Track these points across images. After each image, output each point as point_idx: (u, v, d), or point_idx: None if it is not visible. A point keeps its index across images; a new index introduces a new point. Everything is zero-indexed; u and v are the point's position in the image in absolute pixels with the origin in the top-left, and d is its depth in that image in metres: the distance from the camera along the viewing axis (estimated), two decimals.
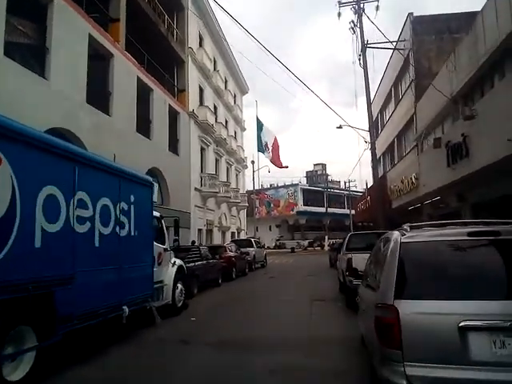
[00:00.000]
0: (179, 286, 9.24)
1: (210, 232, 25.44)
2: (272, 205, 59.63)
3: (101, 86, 13.83)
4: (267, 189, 60.51)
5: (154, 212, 8.62)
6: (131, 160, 14.99)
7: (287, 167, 42.43)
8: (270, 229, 60.37)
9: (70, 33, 11.54)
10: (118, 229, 6.26)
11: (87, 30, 12.49)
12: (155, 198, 16.34)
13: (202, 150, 24.83)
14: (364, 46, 18.31)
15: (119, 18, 14.69)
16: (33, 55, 10.98)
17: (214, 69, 28.19)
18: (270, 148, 39.87)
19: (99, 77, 13.76)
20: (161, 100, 18.13)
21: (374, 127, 20.10)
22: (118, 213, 6.26)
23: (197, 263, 12.61)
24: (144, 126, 16.69)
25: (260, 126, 40.74)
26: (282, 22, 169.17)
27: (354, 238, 10.66)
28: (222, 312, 9.48)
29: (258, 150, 40.28)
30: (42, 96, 10.38)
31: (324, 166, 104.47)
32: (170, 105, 19.14)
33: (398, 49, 18.62)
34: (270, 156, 39.56)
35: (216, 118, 28.07)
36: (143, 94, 16.71)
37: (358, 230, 58.27)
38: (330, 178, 62.67)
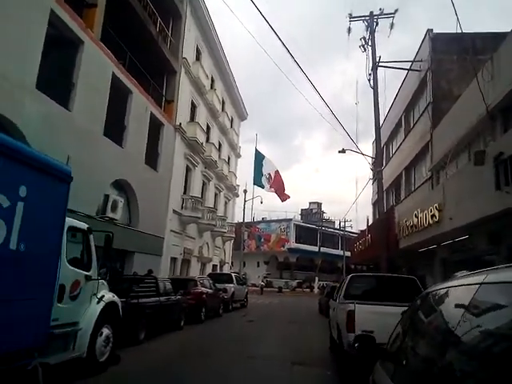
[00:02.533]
0: (105, 331, 6.53)
1: (186, 262, 22.59)
2: (262, 239, 56.77)
3: (62, 73, 11.63)
4: (258, 222, 57.84)
5: (74, 222, 6.07)
6: (92, 166, 12.58)
7: (289, 197, 39.90)
8: (258, 265, 57.21)
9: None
10: None
11: (48, 3, 10.39)
12: (117, 214, 13.89)
13: (188, 169, 22.47)
14: (375, 65, 16.52)
15: (96, 3, 12.73)
16: None
17: (211, 87, 26.39)
18: (272, 179, 37.86)
19: (61, 63, 11.60)
20: (141, 105, 15.94)
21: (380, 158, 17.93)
22: None
23: (150, 299, 9.88)
24: (116, 130, 14.38)
25: (260, 158, 38.91)
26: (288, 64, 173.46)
27: (356, 280, 8.07)
28: (161, 375, 6.67)
29: (254, 183, 38.33)
30: None
31: (320, 204, 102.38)
32: (152, 113, 16.96)
33: (413, 69, 16.82)
34: (272, 189, 37.30)
35: (208, 139, 25.93)
36: (119, 94, 14.52)
37: (352, 272, 55.51)
38: (325, 216, 60.07)
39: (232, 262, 47.60)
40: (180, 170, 20.84)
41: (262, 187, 38.04)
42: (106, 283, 7.01)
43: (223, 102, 30.04)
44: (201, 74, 22.65)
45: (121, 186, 15.01)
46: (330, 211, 73.78)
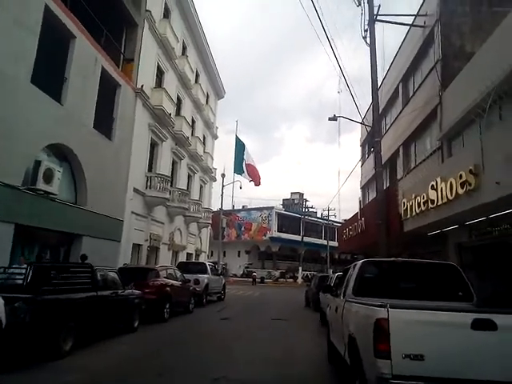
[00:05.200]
0: None
1: (154, 250, 19.68)
2: (243, 228, 54.06)
3: None
4: (239, 210, 55.11)
5: None
6: (13, 122, 9.56)
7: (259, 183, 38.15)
8: (239, 255, 54.62)
9: None
10: None
11: None
12: (53, 186, 10.85)
13: (154, 144, 19.45)
14: (372, 18, 13.88)
15: None
16: None
17: (183, 53, 23.28)
18: (248, 168, 36.49)
19: None
20: (88, 56, 12.84)
21: (371, 134, 15.38)
22: None
23: (81, 294, 7.07)
24: (52, 81, 11.32)
25: (240, 146, 36.87)
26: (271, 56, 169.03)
27: (370, 269, 5.42)
28: None
29: (235, 171, 36.07)
30: None
31: (302, 195, 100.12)
32: (104, 69, 13.86)
33: (416, 25, 14.24)
34: (246, 172, 36.11)
35: (178, 111, 22.92)
36: (56, 36, 11.47)
37: (339, 263, 53.47)
38: (308, 205, 57.69)
39: (212, 252, 44.93)
40: (143, 142, 17.83)
41: (242, 176, 36.26)
42: None
43: (197, 74, 26.97)
44: (169, 33, 19.52)
45: (60, 153, 11.98)
46: (312, 203, 71.74)
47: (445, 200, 8.38)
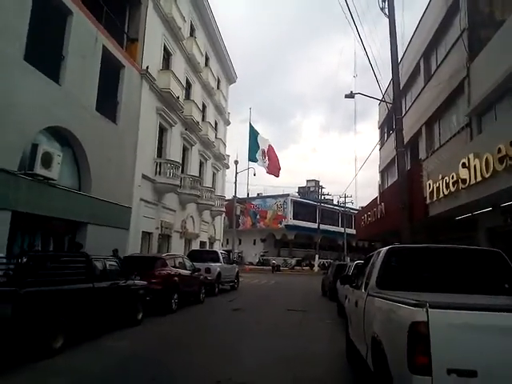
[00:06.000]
0: None
1: (166, 238, 19.17)
2: (258, 216, 53.43)
3: None
4: (254, 198, 54.40)
5: None
6: (6, 102, 8.97)
7: (279, 173, 37.33)
8: (255, 243, 54.13)
9: None
10: None
11: None
12: (53, 171, 10.23)
13: (163, 129, 18.77)
14: None
15: None
16: None
17: (191, 34, 22.39)
18: (266, 155, 35.62)
19: None
20: (87, 34, 12.13)
21: (392, 112, 14.35)
22: None
23: (74, 286, 6.46)
24: (48, 60, 10.66)
25: (254, 134, 36.05)
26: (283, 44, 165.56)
27: (398, 256, 4.58)
28: None
29: (249, 159, 35.29)
30: None
31: (317, 182, 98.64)
32: (106, 48, 13.15)
33: None
34: (267, 163, 35.30)
35: (188, 95, 22.14)
36: (53, 12, 10.77)
37: (356, 251, 52.43)
38: (324, 192, 56.48)
39: (227, 240, 44.51)
40: (151, 127, 17.15)
41: (257, 163, 35.53)
42: None
43: (207, 58, 26.04)
44: (175, 13, 18.64)
45: (61, 136, 11.38)
46: (328, 190, 70.52)
47: (479, 178, 7.40)
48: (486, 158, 7.05)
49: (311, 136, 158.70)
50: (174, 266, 11.40)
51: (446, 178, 8.98)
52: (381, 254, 4.72)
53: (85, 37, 12.03)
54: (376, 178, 24.71)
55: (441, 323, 2.65)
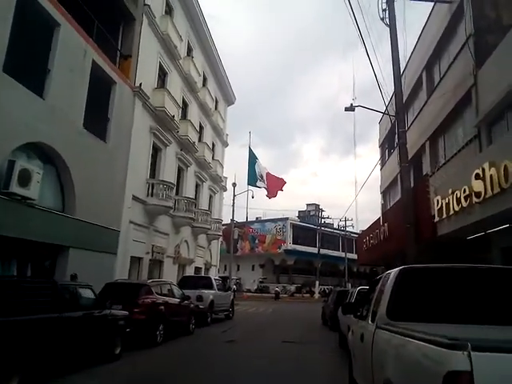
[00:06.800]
0: None
1: (157, 264, 18.21)
2: (257, 240, 52.32)
3: None
4: (252, 222, 53.40)
5: None
6: None
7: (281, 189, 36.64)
8: (253, 268, 52.83)
9: None
10: None
11: None
12: (32, 190, 9.40)
13: (157, 149, 18.17)
14: None
15: None
16: None
17: (188, 54, 22.17)
18: (265, 180, 35.26)
19: None
20: (75, 46, 11.65)
21: (395, 127, 13.84)
22: None
23: (30, 317, 5.58)
24: (31, 72, 10.12)
25: (254, 158, 35.73)
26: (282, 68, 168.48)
27: (412, 279, 3.76)
28: None
29: (249, 183, 34.76)
30: None
31: (317, 206, 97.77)
32: (95, 63, 12.67)
33: (442, 1, 12.67)
34: (266, 187, 34.88)
35: (185, 115, 21.70)
36: (37, 23, 10.31)
37: (358, 277, 50.96)
38: (324, 215, 55.48)
39: (225, 266, 43.24)
40: (144, 146, 16.52)
41: (257, 187, 35.03)
42: None
43: (204, 78, 25.81)
44: (171, 31, 18.40)
45: (43, 153, 10.69)
46: (328, 214, 69.61)
47: (496, 190, 6.64)
48: (505, 167, 6.30)
49: (311, 160, 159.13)
50: (161, 294, 10.47)
51: (457, 192, 8.22)
52: (391, 277, 3.91)
53: (73, 50, 11.53)
54: (376, 202, 24.05)
55: (491, 374, 1.83)
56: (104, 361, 7.25)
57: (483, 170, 7.03)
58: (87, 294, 7.12)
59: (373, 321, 3.95)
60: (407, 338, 2.66)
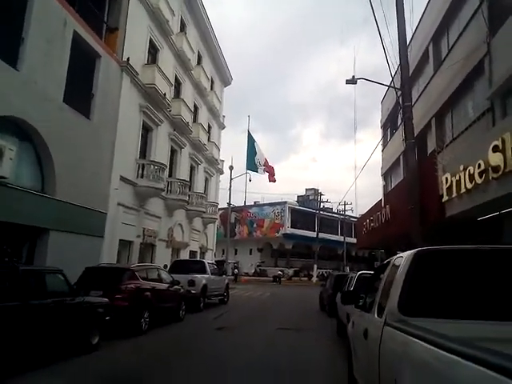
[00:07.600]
0: None
1: (149, 247, 17.58)
2: (255, 224, 51.80)
3: None
4: (250, 206, 52.75)
5: None
6: None
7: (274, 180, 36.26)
8: (251, 252, 52.44)
9: None
10: None
11: None
12: (4, 168, 8.56)
13: (147, 128, 17.33)
14: None
15: None
16: None
17: (181, 30, 21.10)
18: (263, 163, 34.65)
19: None
20: (53, 15, 10.75)
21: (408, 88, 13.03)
22: None
23: None
24: (2, 39, 9.22)
25: (252, 141, 34.93)
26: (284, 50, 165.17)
27: (429, 264, 3.07)
28: None
29: (248, 168, 34.00)
30: None
31: (317, 190, 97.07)
32: (78, 34, 11.75)
33: None
34: (265, 169, 34.36)
35: (178, 94, 20.78)
36: None
37: (356, 260, 50.68)
38: (323, 199, 54.65)
39: (222, 250, 42.73)
40: (133, 125, 15.70)
41: (256, 171, 34.38)
42: None
43: (199, 56, 24.77)
44: (162, 4, 17.35)
45: (18, 129, 9.89)
46: (327, 198, 68.87)
47: None
48: None
49: (311, 145, 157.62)
50: (147, 279, 9.82)
51: (470, 167, 7.46)
52: (403, 262, 3.19)
53: (51, 19, 10.63)
54: (375, 187, 23.34)
55: None
56: (80, 352, 6.64)
57: (503, 140, 6.26)
58: (57, 279, 6.44)
59: (380, 315, 3.26)
60: (432, 347, 1.94)
